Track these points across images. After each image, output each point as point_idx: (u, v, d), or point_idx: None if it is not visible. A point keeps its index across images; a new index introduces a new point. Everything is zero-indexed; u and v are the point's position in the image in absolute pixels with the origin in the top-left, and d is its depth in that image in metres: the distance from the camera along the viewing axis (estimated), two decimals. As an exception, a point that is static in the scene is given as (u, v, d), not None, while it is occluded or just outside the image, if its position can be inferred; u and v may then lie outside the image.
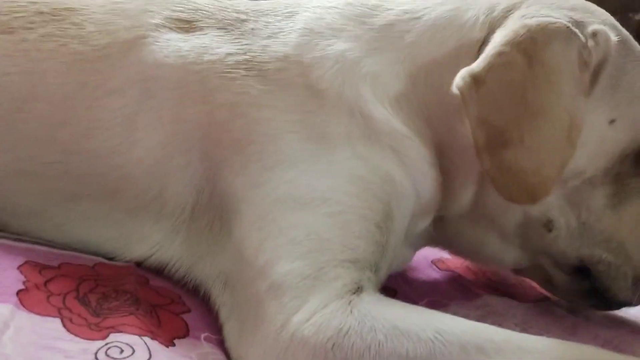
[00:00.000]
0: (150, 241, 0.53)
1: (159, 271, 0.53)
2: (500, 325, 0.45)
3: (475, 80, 0.45)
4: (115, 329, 0.39)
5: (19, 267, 0.45)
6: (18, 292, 0.40)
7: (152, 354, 0.37)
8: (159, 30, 0.55)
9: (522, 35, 0.45)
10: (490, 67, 0.45)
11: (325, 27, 0.54)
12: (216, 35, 0.54)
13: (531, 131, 0.44)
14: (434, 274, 0.64)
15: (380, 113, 0.49)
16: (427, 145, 0.51)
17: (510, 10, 0.50)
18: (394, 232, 0.49)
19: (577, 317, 0.56)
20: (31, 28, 0.57)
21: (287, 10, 0.57)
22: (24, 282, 0.42)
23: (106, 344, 0.37)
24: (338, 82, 0.50)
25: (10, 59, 0.54)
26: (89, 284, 0.47)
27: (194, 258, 0.52)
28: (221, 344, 0.45)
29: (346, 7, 0.56)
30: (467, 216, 0.53)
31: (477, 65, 0.46)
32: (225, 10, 0.57)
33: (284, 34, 0.53)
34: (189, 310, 0.48)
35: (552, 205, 0.49)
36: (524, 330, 0.47)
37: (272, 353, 0.41)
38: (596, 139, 0.49)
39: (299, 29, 0.54)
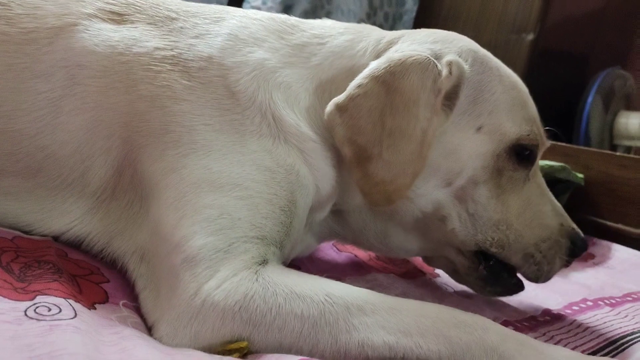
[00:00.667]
0: (70, 216, 0.56)
1: (75, 246, 0.56)
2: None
3: (339, 108, 0.55)
4: (41, 292, 0.43)
5: (-61, 236, 0.46)
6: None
7: (77, 313, 0.41)
8: (90, 20, 0.58)
9: (382, 69, 0.55)
10: (350, 97, 0.55)
11: (248, 35, 0.60)
12: (146, 30, 0.58)
13: (389, 148, 0.54)
14: (333, 254, 0.72)
15: (290, 117, 0.56)
16: (328, 149, 0.58)
17: (390, 44, 0.61)
18: (297, 217, 0.56)
19: (447, 289, 0.67)
20: None
21: (215, 15, 0.62)
22: (-54, 250, 0.44)
23: (34, 304, 0.40)
24: (253, 87, 0.56)
25: None
26: (9, 255, 0.49)
27: (112, 234, 0.56)
28: (138, 310, 0.50)
29: (269, 21, 0.63)
30: (368, 211, 0.61)
31: (341, 96, 0.55)
32: (157, 7, 0.61)
33: (211, 36, 0.59)
34: (107, 281, 0.52)
35: (443, 203, 0.59)
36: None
37: (185, 316, 0.46)
38: (468, 145, 0.58)
39: (225, 33, 0.59)
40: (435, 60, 0.56)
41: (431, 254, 0.66)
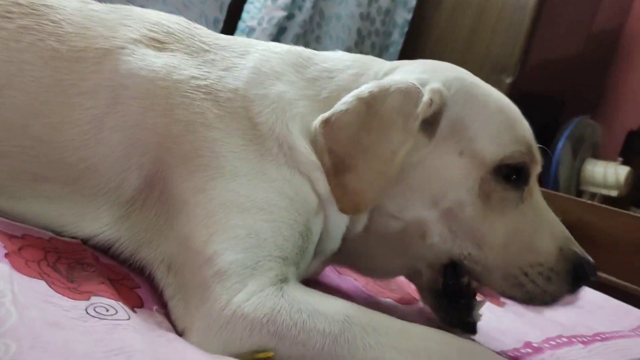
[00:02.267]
0: (102, 222, 0.60)
1: (103, 250, 0.60)
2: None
3: (324, 121, 0.61)
4: (94, 293, 0.46)
5: (-7, 234, 0.49)
6: (5, 255, 0.45)
7: (129, 315, 0.45)
8: (136, 45, 0.62)
9: (367, 92, 0.61)
10: (334, 112, 0.61)
11: (269, 69, 0.65)
12: (183, 59, 0.63)
13: (362, 163, 0.59)
14: (336, 278, 0.78)
15: (303, 147, 0.61)
16: None
17: (386, 74, 0.67)
18: (311, 242, 0.61)
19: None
20: (9, 18, 0.61)
21: (241, 49, 0.67)
22: (4, 247, 0.47)
23: (92, 304, 0.44)
24: (272, 119, 0.61)
25: None
26: (53, 255, 0.52)
27: (140, 242, 0.59)
28: (167, 316, 0.53)
29: (287, 54, 0.69)
30: (361, 236, 0.66)
31: (328, 112, 0.61)
32: (192, 38, 0.66)
33: (238, 69, 0.64)
34: (138, 286, 0.56)
35: (427, 221, 0.62)
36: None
37: (216, 325, 0.50)
38: (451, 169, 0.62)
39: (250, 67, 0.65)
40: (420, 88, 0.61)
41: (407, 272, 0.70)
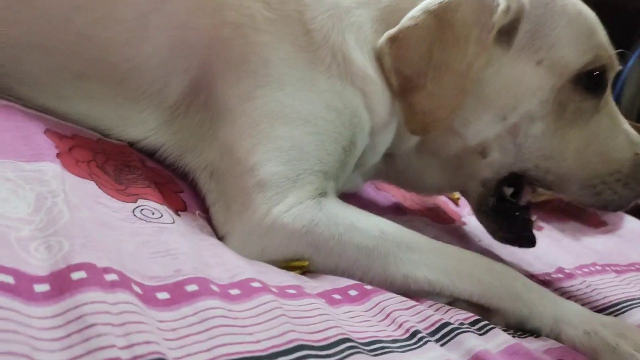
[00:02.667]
0: (146, 126, 0.61)
1: (149, 154, 0.62)
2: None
3: (391, 38, 0.58)
4: (140, 196, 0.48)
5: (45, 133, 0.51)
6: (57, 155, 0.47)
7: (174, 219, 0.47)
8: None
9: (436, 3, 0.57)
10: (402, 29, 0.57)
11: None
12: None
13: (433, 81, 0.57)
14: (373, 193, 0.78)
15: (358, 59, 0.59)
16: (390, 93, 0.60)
17: None
18: (354, 156, 0.61)
19: (474, 239, 0.74)
20: None
21: None
22: (55, 147, 0.49)
23: (138, 206, 0.46)
24: (328, 27, 0.58)
25: None
26: (101, 156, 0.55)
27: (183, 148, 0.61)
28: (209, 221, 0.56)
29: None
30: (414, 152, 0.66)
31: (395, 28, 0.58)
32: None
33: None
34: (182, 191, 0.58)
35: (492, 137, 0.61)
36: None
37: (256, 233, 0.52)
38: (527, 79, 0.59)
39: None
40: None
41: (457, 189, 0.70)
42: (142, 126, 0.61)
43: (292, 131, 0.55)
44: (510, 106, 0.60)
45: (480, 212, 0.68)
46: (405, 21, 0.58)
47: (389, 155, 0.68)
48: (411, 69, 0.57)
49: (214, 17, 0.57)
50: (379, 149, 0.65)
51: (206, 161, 0.59)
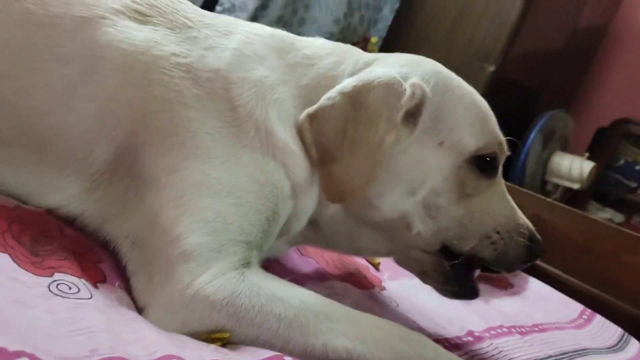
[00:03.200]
0: (67, 193, 0.60)
1: (69, 222, 0.60)
2: (340, 302, 0.63)
3: (310, 116, 0.63)
4: (57, 270, 0.48)
5: (-43, 202, 0.49)
6: (-32, 227, 0.46)
7: (92, 294, 0.46)
8: (117, 15, 0.62)
9: (350, 87, 0.63)
10: (320, 107, 0.63)
11: (252, 52, 0.66)
12: (165, 34, 0.63)
13: (349, 153, 0.62)
14: (297, 259, 0.81)
15: (280, 133, 0.63)
16: (310, 166, 0.64)
17: (366, 65, 0.69)
18: (277, 225, 0.63)
19: (392, 304, 0.77)
20: None
21: (225, 29, 0.67)
22: (-33, 218, 0.47)
23: (54, 280, 0.46)
24: (252, 103, 0.62)
25: None
26: (17, 226, 0.53)
27: (105, 216, 0.60)
28: (129, 291, 0.55)
29: (270, 38, 0.69)
30: (340, 218, 0.69)
31: (313, 106, 0.64)
32: (176, 13, 0.65)
33: (220, 49, 0.64)
34: (102, 261, 0.57)
35: (408, 210, 0.66)
36: (356, 309, 0.66)
37: (177, 304, 0.52)
38: (430, 158, 0.66)
39: (232, 48, 0.65)
40: (402, 81, 0.64)
41: (399, 256, 0.74)
42: (62, 193, 0.60)
43: (217, 203, 0.57)
44: (417, 181, 0.66)
45: (432, 273, 0.71)
46: (324, 101, 0.63)
47: (314, 222, 0.71)
48: (329, 142, 0.62)
49: (143, 91, 0.59)
50: (302, 216, 0.68)
51: (129, 229, 0.59)
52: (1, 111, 0.58)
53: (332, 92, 0.64)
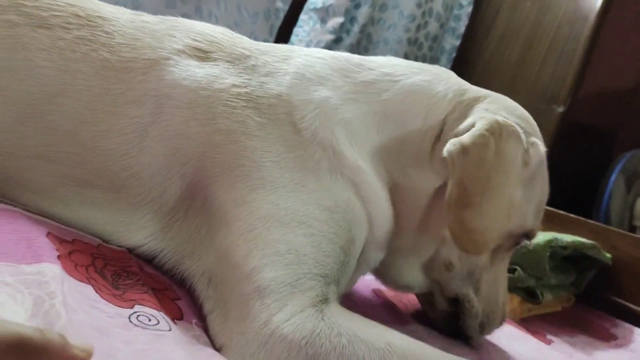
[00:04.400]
0: (146, 231, 0.60)
1: (148, 260, 0.61)
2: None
3: (464, 149, 0.59)
4: (137, 302, 0.47)
5: (47, 236, 0.51)
6: (57, 257, 0.46)
7: (170, 327, 0.45)
8: (179, 55, 0.63)
9: (495, 127, 0.60)
10: (475, 143, 0.59)
11: (313, 74, 0.65)
12: (225, 67, 0.64)
13: (487, 201, 0.59)
14: (375, 301, 0.76)
15: (348, 151, 0.61)
16: (382, 184, 0.63)
17: (476, 101, 0.66)
18: (354, 254, 0.60)
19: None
20: (67, 28, 0.63)
21: (283, 54, 0.68)
22: (56, 249, 0.48)
23: (135, 312, 0.45)
24: (315, 124, 0.61)
25: (47, 54, 0.60)
26: (100, 261, 0.54)
27: (182, 254, 0.60)
28: (206, 330, 0.53)
29: (332, 59, 0.68)
30: (399, 248, 0.67)
31: (466, 138, 0.59)
32: (234, 46, 0.66)
33: (280, 74, 0.64)
34: (179, 298, 0.56)
35: (455, 255, 0.66)
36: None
37: (254, 344, 0.49)
38: None
39: (292, 72, 0.64)
40: (524, 137, 0.62)
41: (425, 290, 0.73)
42: (141, 232, 0.61)
43: (288, 234, 0.55)
44: None
45: (438, 313, 0.73)
46: (477, 137, 0.59)
47: None
48: (474, 185, 0.59)
49: (207, 125, 0.59)
50: (380, 240, 0.64)
51: (204, 266, 0.58)
52: (80, 155, 0.60)
53: (482, 129, 0.60)
